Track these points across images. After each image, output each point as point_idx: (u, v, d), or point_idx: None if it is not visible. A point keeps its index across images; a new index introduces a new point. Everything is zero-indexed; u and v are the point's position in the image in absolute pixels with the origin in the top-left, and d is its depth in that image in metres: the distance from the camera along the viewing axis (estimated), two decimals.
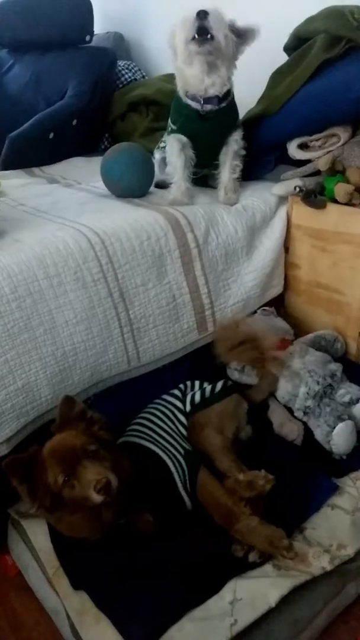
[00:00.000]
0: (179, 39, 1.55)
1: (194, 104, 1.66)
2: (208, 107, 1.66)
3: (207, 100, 1.64)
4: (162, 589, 1.11)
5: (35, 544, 1.27)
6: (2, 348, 1.29)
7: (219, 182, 1.79)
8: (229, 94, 1.67)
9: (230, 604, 1.08)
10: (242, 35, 1.59)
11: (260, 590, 1.10)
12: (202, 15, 1.47)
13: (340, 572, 1.17)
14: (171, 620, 1.06)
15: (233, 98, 1.72)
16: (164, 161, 1.84)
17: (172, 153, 1.72)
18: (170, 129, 1.75)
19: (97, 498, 1.07)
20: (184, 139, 1.71)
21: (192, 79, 1.62)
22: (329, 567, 1.14)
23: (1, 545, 1.40)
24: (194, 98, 1.65)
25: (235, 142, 1.74)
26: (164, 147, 1.83)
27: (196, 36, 1.50)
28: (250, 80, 1.76)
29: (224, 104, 1.67)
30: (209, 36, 1.50)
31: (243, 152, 1.77)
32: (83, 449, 1.12)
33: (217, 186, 1.80)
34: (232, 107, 1.72)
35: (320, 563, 1.15)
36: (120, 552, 1.19)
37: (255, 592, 1.09)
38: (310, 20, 1.69)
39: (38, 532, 1.29)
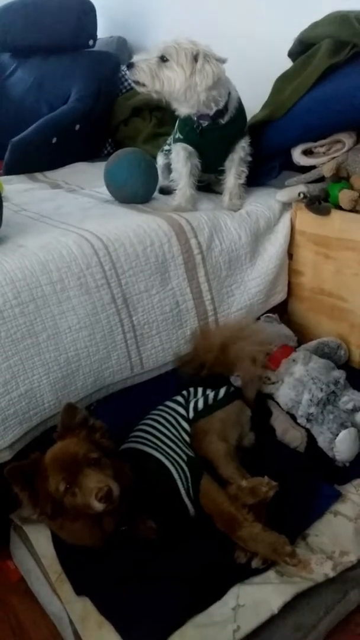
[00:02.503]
0: None
1: (194, 121, 1.68)
2: (204, 122, 1.67)
3: (201, 117, 1.66)
4: (164, 595, 1.11)
5: (38, 550, 1.27)
6: (5, 354, 1.29)
7: (224, 187, 1.79)
8: (225, 111, 1.67)
9: (233, 610, 1.08)
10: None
11: (263, 596, 1.10)
12: (129, 66, 1.57)
13: (343, 579, 1.16)
14: (174, 626, 1.06)
15: (237, 112, 1.71)
16: (167, 167, 1.85)
17: (178, 161, 1.73)
18: (177, 136, 1.76)
19: (98, 506, 1.07)
20: (189, 147, 1.72)
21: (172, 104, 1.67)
22: (331, 574, 1.14)
23: (3, 551, 1.40)
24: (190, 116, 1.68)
25: (242, 149, 1.74)
26: (168, 151, 1.84)
27: (133, 82, 1.60)
28: (254, 86, 1.76)
29: (224, 121, 1.67)
30: (140, 82, 1.57)
31: (249, 159, 1.77)
32: (85, 456, 1.12)
33: (222, 191, 1.81)
34: (237, 119, 1.72)
35: (323, 570, 1.15)
36: (123, 558, 1.19)
37: (258, 598, 1.09)
38: (315, 25, 1.70)
39: (40, 538, 1.29)
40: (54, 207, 1.76)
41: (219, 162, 1.77)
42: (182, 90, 1.57)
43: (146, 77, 1.55)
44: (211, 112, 1.64)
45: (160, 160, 1.92)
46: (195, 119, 1.66)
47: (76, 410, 1.23)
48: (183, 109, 1.66)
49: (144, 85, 1.56)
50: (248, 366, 1.53)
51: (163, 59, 1.54)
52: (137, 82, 1.57)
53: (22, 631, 1.26)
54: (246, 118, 1.77)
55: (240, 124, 1.74)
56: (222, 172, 1.79)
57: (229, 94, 1.66)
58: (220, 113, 1.66)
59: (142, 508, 1.21)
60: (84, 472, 1.10)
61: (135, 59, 1.56)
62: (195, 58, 1.54)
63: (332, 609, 1.14)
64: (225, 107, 1.66)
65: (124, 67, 1.62)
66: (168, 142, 1.90)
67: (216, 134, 1.69)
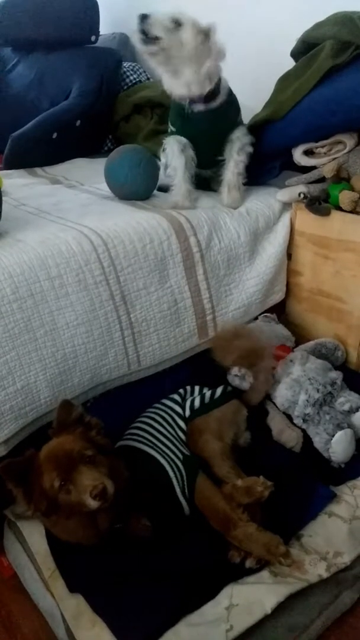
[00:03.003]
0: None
1: (186, 105, 1.66)
2: (199, 107, 1.65)
3: (193, 100, 1.64)
4: (158, 594, 1.11)
5: (32, 546, 1.27)
6: (2, 349, 1.29)
7: (223, 180, 1.77)
8: (216, 92, 1.65)
9: (227, 609, 1.08)
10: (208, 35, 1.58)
11: (257, 596, 1.10)
12: (143, 17, 1.50)
13: (337, 579, 1.17)
14: (167, 624, 1.06)
15: (229, 96, 1.70)
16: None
17: (173, 154, 1.72)
18: (170, 130, 1.75)
19: (93, 504, 1.07)
20: (183, 139, 1.71)
21: (167, 84, 1.63)
22: (325, 575, 1.15)
23: None
24: (182, 99, 1.65)
25: (238, 140, 1.72)
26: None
27: (141, 37, 1.52)
28: (255, 85, 1.76)
29: (215, 104, 1.66)
30: (153, 37, 1.51)
31: (249, 149, 1.75)
32: (80, 453, 1.12)
33: (220, 185, 1.79)
34: (229, 104, 1.70)
35: (317, 570, 1.15)
36: (117, 556, 1.19)
37: (251, 598, 1.10)
38: (318, 25, 1.69)
39: (34, 534, 1.28)
40: (54, 202, 1.76)
41: (214, 155, 1.75)
42: (192, 57, 1.55)
43: (162, 30, 1.50)
44: (204, 92, 1.62)
45: (163, 159, 1.91)
46: (187, 102, 1.64)
47: (72, 407, 1.22)
48: (179, 87, 1.62)
49: (155, 39, 1.50)
50: (267, 375, 1.53)
51: (177, 23, 1.52)
52: (147, 38, 1.51)
53: (15, 627, 1.26)
54: (239, 109, 1.76)
55: (231, 113, 1.73)
56: (220, 168, 1.78)
57: (220, 78, 1.65)
58: (212, 95, 1.64)
59: (137, 506, 1.21)
60: (79, 470, 1.10)
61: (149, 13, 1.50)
62: (206, 33, 1.55)
63: (326, 609, 1.14)
64: (217, 88, 1.64)
65: (136, 26, 1.52)
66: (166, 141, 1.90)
67: (208, 120, 1.67)
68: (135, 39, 1.55)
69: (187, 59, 1.56)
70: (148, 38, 1.51)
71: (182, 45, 1.53)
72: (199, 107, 1.66)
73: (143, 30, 1.50)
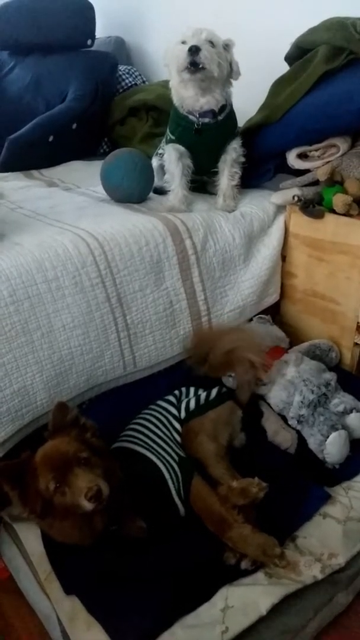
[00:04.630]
0: (172, 67, 1.59)
1: (191, 117, 1.68)
2: (205, 120, 1.68)
3: (203, 114, 1.67)
4: (154, 595, 1.11)
5: (27, 548, 1.27)
6: None
7: (218, 189, 1.80)
8: (225, 106, 1.69)
9: (222, 611, 1.08)
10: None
11: (252, 598, 1.10)
12: (194, 50, 1.51)
13: (331, 581, 1.17)
14: (162, 626, 1.06)
15: (231, 109, 1.73)
16: (161, 168, 1.85)
17: (170, 162, 1.74)
18: (168, 138, 1.77)
19: (88, 506, 1.07)
20: (181, 148, 1.72)
21: (188, 99, 1.65)
22: (320, 576, 1.15)
23: None
24: (190, 112, 1.68)
25: (233, 150, 1.75)
26: (162, 155, 1.84)
27: (188, 67, 1.54)
28: (249, 89, 1.77)
29: (221, 117, 1.69)
30: (200, 66, 1.54)
31: (242, 160, 1.78)
32: (75, 456, 1.12)
33: (216, 193, 1.81)
34: (230, 117, 1.73)
35: (312, 572, 1.15)
36: (112, 558, 1.19)
37: (246, 599, 1.10)
38: (312, 30, 1.71)
39: (30, 536, 1.28)
40: (50, 205, 1.76)
41: (211, 164, 1.77)
42: (223, 77, 1.61)
43: (210, 62, 1.53)
44: (217, 108, 1.65)
45: (155, 162, 1.93)
46: (197, 116, 1.67)
47: (67, 409, 1.23)
48: (198, 103, 1.64)
49: (202, 69, 1.54)
50: (246, 370, 1.53)
51: (212, 44, 1.55)
52: (196, 66, 1.53)
53: (10, 629, 1.25)
54: (236, 118, 1.78)
55: (231, 123, 1.75)
56: (215, 173, 1.80)
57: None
58: (222, 109, 1.68)
59: (133, 507, 1.21)
60: (74, 472, 1.10)
61: (192, 41, 1.52)
62: (225, 47, 1.59)
63: (321, 611, 1.14)
64: (225, 105, 1.68)
65: (182, 52, 1.53)
66: (161, 145, 1.91)
67: (211, 133, 1.70)
68: (175, 67, 1.57)
69: (220, 79, 1.60)
70: (194, 68, 1.54)
71: (220, 71, 1.57)
72: (206, 120, 1.68)
73: (194, 62, 1.53)
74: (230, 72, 1.63)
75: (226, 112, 1.70)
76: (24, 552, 1.27)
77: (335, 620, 1.18)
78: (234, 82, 1.67)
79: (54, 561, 1.22)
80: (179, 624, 1.07)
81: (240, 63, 1.64)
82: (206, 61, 1.53)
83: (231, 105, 1.72)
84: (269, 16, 2.17)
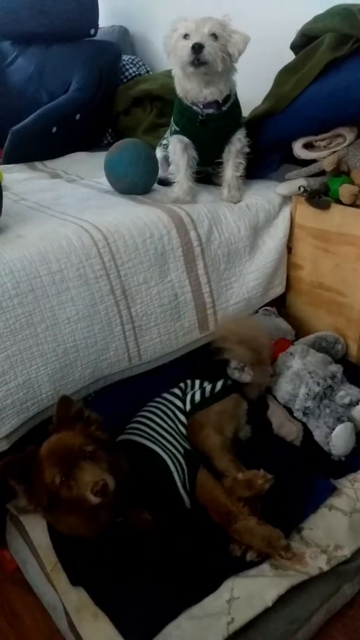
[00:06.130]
0: (175, 60, 1.58)
1: (195, 107, 1.67)
2: (209, 111, 1.67)
3: (207, 105, 1.65)
4: (160, 587, 1.12)
5: (34, 540, 1.28)
6: (3, 344, 1.29)
7: (223, 180, 1.79)
8: (229, 97, 1.68)
9: (228, 602, 1.09)
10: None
11: (258, 589, 1.10)
12: (198, 48, 1.50)
13: (337, 572, 1.17)
14: (168, 617, 1.07)
15: (235, 99, 1.72)
16: (165, 159, 1.84)
17: (175, 153, 1.73)
18: (173, 129, 1.75)
19: (94, 500, 1.07)
20: (186, 139, 1.71)
21: (191, 91, 1.63)
22: (325, 568, 1.15)
23: None
24: (194, 103, 1.66)
25: (238, 141, 1.74)
26: (166, 145, 1.83)
27: (192, 62, 1.53)
28: (254, 78, 1.75)
29: (225, 108, 1.67)
30: (204, 62, 1.52)
31: (247, 150, 1.77)
32: (80, 449, 1.12)
33: (221, 184, 1.80)
34: (235, 108, 1.72)
35: (317, 563, 1.16)
36: (119, 550, 1.19)
37: (252, 591, 1.10)
38: (318, 18, 1.68)
39: (36, 528, 1.29)
40: (54, 197, 1.75)
41: (216, 155, 1.76)
42: (226, 67, 1.59)
43: (214, 58, 1.52)
44: (221, 99, 1.64)
45: (159, 153, 1.92)
46: (201, 107, 1.65)
47: (71, 402, 1.23)
48: (202, 94, 1.62)
49: (205, 64, 1.52)
50: (266, 372, 1.54)
51: (215, 37, 1.53)
52: (200, 62, 1.52)
53: (17, 621, 1.26)
54: (241, 109, 1.76)
55: (236, 114, 1.74)
56: (220, 164, 1.78)
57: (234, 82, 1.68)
58: (226, 99, 1.66)
59: (139, 500, 1.21)
60: (80, 466, 1.10)
61: (195, 37, 1.50)
62: (228, 33, 1.57)
63: (326, 602, 1.15)
64: (229, 95, 1.66)
65: (186, 56, 1.52)
66: (165, 136, 1.90)
67: (215, 124, 1.69)
68: (179, 63, 1.56)
69: (224, 71, 1.58)
70: (199, 63, 1.53)
71: (223, 64, 1.56)
72: (210, 111, 1.66)
73: (198, 59, 1.51)
74: (232, 56, 1.59)
75: (230, 102, 1.68)
76: (31, 544, 1.28)
77: (340, 611, 1.19)
78: (238, 70, 1.65)
79: (60, 553, 1.22)
80: (184, 615, 1.07)
81: (245, 53, 1.62)
82: (210, 58, 1.51)
83: (236, 95, 1.71)
84: (275, 4, 2.15)
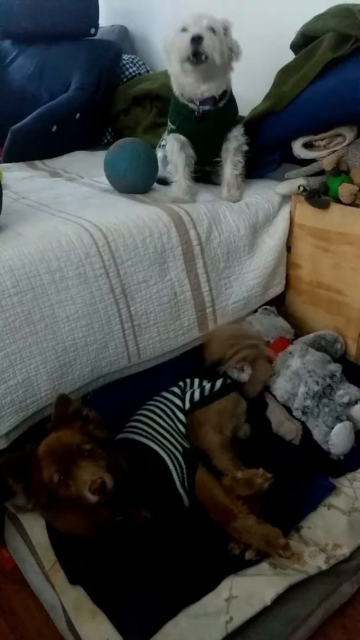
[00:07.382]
0: (174, 56, 1.57)
1: (191, 105, 1.67)
2: (205, 107, 1.66)
3: (204, 101, 1.65)
4: (158, 585, 1.12)
5: (32, 538, 1.28)
6: (2, 342, 1.29)
7: (222, 178, 1.79)
8: (225, 93, 1.67)
9: (226, 601, 1.09)
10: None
11: (256, 588, 1.10)
12: (197, 40, 1.49)
13: (336, 571, 1.17)
14: (167, 616, 1.07)
15: (231, 95, 1.71)
16: (165, 159, 1.84)
17: (173, 152, 1.73)
18: (169, 128, 1.75)
19: (92, 498, 1.07)
20: (182, 138, 1.71)
21: (188, 86, 1.63)
22: (324, 567, 1.15)
23: None
24: (190, 100, 1.66)
25: (235, 139, 1.73)
26: (165, 146, 1.83)
27: (191, 58, 1.52)
28: (254, 78, 1.75)
29: (221, 104, 1.67)
30: (203, 57, 1.52)
31: (245, 148, 1.76)
32: (78, 448, 1.13)
33: (220, 183, 1.80)
34: (231, 104, 1.72)
35: (316, 562, 1.16)
36: (117, 548, 1.19)
37: (251, 590, 1.10)
38: (318, 18, 1.69)
39: (35, 526, 1.29)
40: (53, 195, 1.75)
41: (214, 153, 1.76)
42: (225, 63, 1.59)
43: (213, 50, 1.51)
44: (218, 94, 1.64)
45: (159, 153, 1.92)
46: (197, 104, 1.65)
47: (69, 401, 1.23)
48: (200, 90, 1.62)
49: (205, 58, 1.52)
50: (264, 366, 1.53)
51: (213, 31, 1.53)
52: (199, 57, 1.51)
53: (15, 619, 1.26)
54: (237, 106, 1.76)
55: (232, 110, 1.73)
56: (218, 163, 1.78)
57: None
58: (222, 95, 1.66)
59: (137, 498, 1.21)
60: (78, 464, 1.10)
61: (194, 30, 1.49)
62: (225, 30, 1.56)
63: (325, 601, 1.15)
64: (225, 91, 1.66)
65: (185, 42, 1.51)
66: (164, 136, 1.90)
67: (212, 121, 1.68)
68: (177, 57, 1.55)
69: (221, 66, 1.58)
70: (196, 58, 1.52)
71: (223, 53, 1.55)
72: (207, 107, 1.66)
73: (197, 51, 1.51)
74: (231, 55, 1.60)
75: (226, 98, 1.68)
76: (29, 543, 1.28)
77: (339, 610, 1.19)
78: (237, 69, 1.65)
79: (59, 551, 1.22)
80: (183, 614, 1.07)
81: (244, 51, 1.62)
82: (209, 50, 1.51)
83: (231, 91, 1.70)
84: (274, 4, 2.14)
